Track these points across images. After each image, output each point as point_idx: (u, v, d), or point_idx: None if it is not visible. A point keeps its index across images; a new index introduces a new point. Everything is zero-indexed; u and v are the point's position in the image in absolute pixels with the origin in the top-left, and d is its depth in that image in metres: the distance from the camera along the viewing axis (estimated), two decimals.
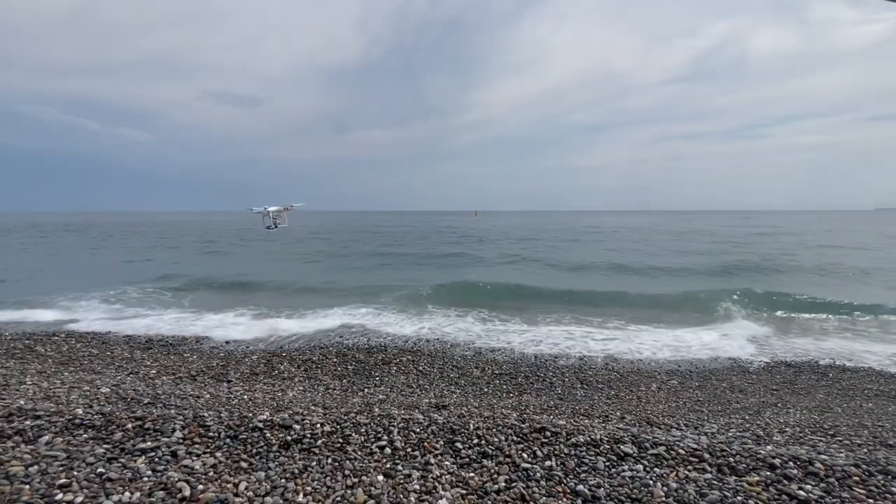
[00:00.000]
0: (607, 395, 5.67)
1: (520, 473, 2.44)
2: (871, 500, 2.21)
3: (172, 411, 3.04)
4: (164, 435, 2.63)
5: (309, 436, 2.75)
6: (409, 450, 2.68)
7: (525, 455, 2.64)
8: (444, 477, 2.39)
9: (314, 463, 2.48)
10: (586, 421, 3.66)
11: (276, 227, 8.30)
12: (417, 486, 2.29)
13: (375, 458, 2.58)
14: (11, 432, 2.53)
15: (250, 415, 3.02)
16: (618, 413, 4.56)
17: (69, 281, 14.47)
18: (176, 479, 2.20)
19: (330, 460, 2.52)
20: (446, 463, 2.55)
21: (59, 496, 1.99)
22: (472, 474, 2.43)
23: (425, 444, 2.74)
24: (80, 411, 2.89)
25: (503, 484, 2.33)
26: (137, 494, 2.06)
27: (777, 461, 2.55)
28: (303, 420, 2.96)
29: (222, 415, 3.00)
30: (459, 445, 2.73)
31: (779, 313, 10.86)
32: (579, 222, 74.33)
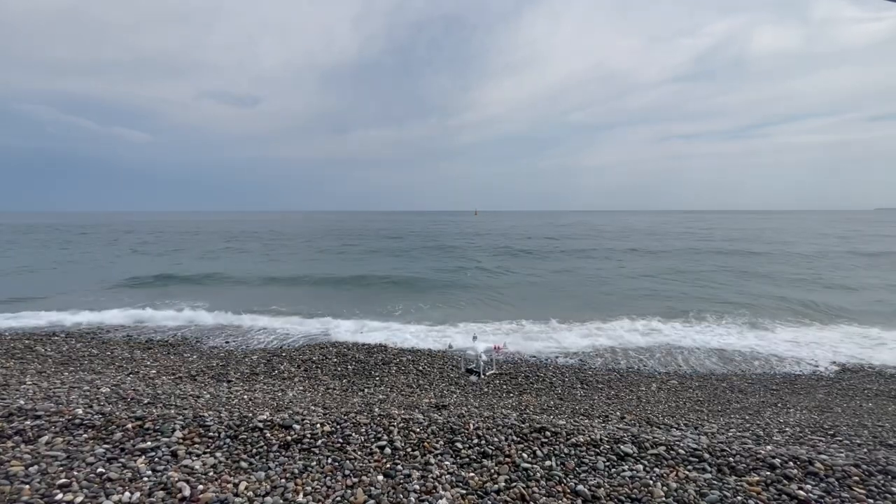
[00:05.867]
0: (607, 395, 5.67)
1: (520, 473, 2.44)
2: (870, 500, 2.21)
3: (172, 411, 3.04)
4: (164, 435, 2.63)
5: (309, 436, 2.75)
6: (409, 450, 2.68)
7: (525, 455, 2.64)
8: (444, 477, 2.39)
9: (314, 463, 2.48)
10: (586, 421, 3.66)
11: (484, 375, 6.22)
12: (417, 486, 2.29)
13: (375, 458, 2.58)
14: (11, 432, 2.53)
15: (250, 415, 3.02)
16: (618, 413, 4.56)
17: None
18: (176, 478, 2.20)
19: (330, 460, 2.52)
20: (446, 463, 2.55)
21: (59, 496, 1.99)
22: (472, 474, 2.43)
23: (425, 444, 2.74)
24: (80, 411, 2.89)
25: (503, 484, 2.32)
26: (137, 494, 2.06)
27: (777, 461, 2.55)
28: (303, 420, 2.96)
29: (222, 415, 3.00)
30: (459, 445, 2.73)
31: None
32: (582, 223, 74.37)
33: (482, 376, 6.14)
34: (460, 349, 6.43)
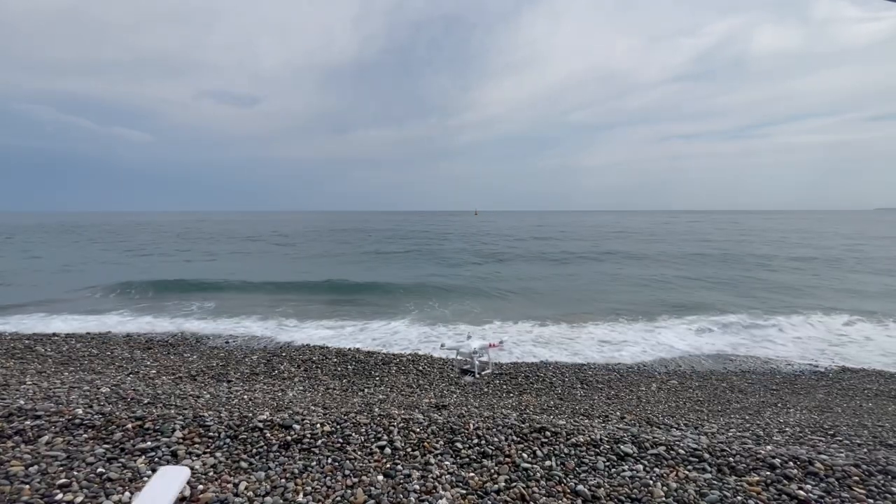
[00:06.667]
0: (607, 394, 5.67)
1: (520, 473, 2.44)
2: (870, 500, 2.21)
3: (172, 411, 3.04)
4: (164, 435, 2.63)
5: (309, 436, 2.75)
6: (409, 450, 2.68)
7: (525, 455, 2.64)
8: (444, 477, 2.39)
9: (314, 463, 2.48)
10: (586, 421, 3.66)
11: (479, 375, 6.08)
12: (417, 486, 2.29)
13: (375, 458, 2.58)
14: (11, 432, 2.53)
15: (250, 415, 3.02)
16: (618, 413, 4.56)
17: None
18: None
19: (330, 460, 2.52)
20: (446, 463, 2.55)
21: (59, 496, 1.99)
22: (472, 474, 2.43)
23: (425, 444, 2.74)
24: (80, 411, 2.89)
25: (503, 484, 2.33)
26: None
27: (777, 461, 2.55)
28: (303, 420, 2.96)
29: (222, 415, 3.00)
30: (459, 445, 2.73)
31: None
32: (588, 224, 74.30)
33: (477, 376, 6.09)
34: (452, 347, 6.26)
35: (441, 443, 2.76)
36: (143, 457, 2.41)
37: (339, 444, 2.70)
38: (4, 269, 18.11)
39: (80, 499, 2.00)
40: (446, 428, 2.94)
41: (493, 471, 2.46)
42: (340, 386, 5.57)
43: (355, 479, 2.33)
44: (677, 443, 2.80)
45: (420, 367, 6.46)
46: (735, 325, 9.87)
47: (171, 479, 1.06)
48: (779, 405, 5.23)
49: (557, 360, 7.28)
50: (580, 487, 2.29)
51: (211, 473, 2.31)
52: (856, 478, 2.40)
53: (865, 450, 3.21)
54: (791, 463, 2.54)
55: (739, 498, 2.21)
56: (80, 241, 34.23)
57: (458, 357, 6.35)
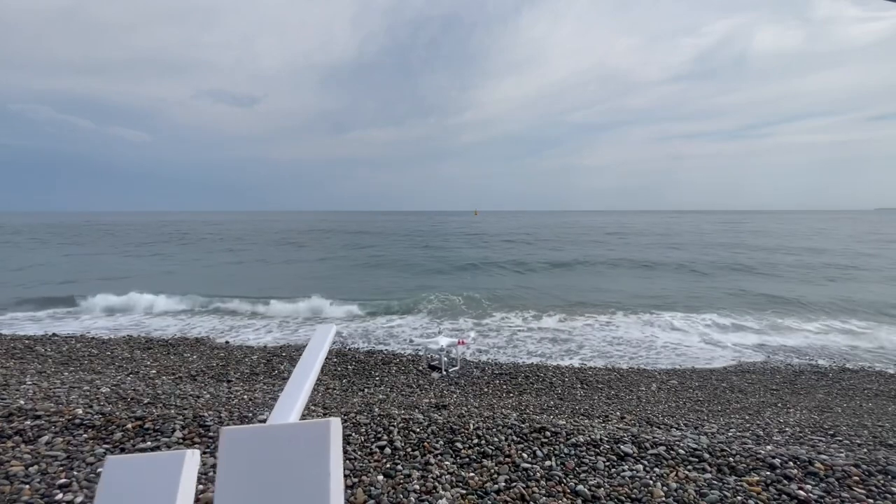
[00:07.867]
0: (607, 395, 5.67)
1: (520, 473, 2.44)
2: (870, 500, 2.20)
3: (172, 411, 3.04)
4: (164, 435, 2.63)
5: None
6: (408, 450, 2.68)
7: (525, 455, 2.63)
8: (443, 477, 2.39)
9: None
10: (586, 421, 3.66)
11: (446, 372, 6.20)
12: (417, 486, 2.28)
13: (375, 458, 2.58)
14: (11, 432, 2.53)
15: (250, 415, 3.02)
16: (618, 413, 4.56)
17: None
18: None
19: None
20: (446, 463, 2.55)
21: (59, 496, 1.99)
22: (472, 474, 2.43)
23: (425, 444, 2.74)
24: (80, 411, 2.88)
25: (503, 484, 2.32)
26: None
27: (777, 461, 2.55)
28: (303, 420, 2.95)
29: (222, 415, 3.00)
30: (459, 445, 2.73)
31: None
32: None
33: (444, 373, 6.15)
34: (420, 344, 6.35)
35: (441, 443, 2.76)
36: None
37: None
38: (4, 270, 18.11)
39: (80, 499, 2.00)
40: (446, 428, 2.93)
41: (493, 471, 2.46)
42: (340, 386, 5.56)
43: (355, 479, 2.32)
44: (677, 443, 2.80)
45: (420, 367, 6.46)
46: (736, 326, 9.88)
47: (324, 334, 1.10)
48: (779, 405, 5.22)
49: (558, 360, 7.29)
50: (580, 487, 2.29)
51: (211, 474, 2.31)
52: (856, 478, 2.40)
53: (865, 450, 3.21)
54: (791, 463, 2.54)
55: (739, 498, 2.21)
56: (82, 241, 34.22)
57: (427, 354, 6.53)
